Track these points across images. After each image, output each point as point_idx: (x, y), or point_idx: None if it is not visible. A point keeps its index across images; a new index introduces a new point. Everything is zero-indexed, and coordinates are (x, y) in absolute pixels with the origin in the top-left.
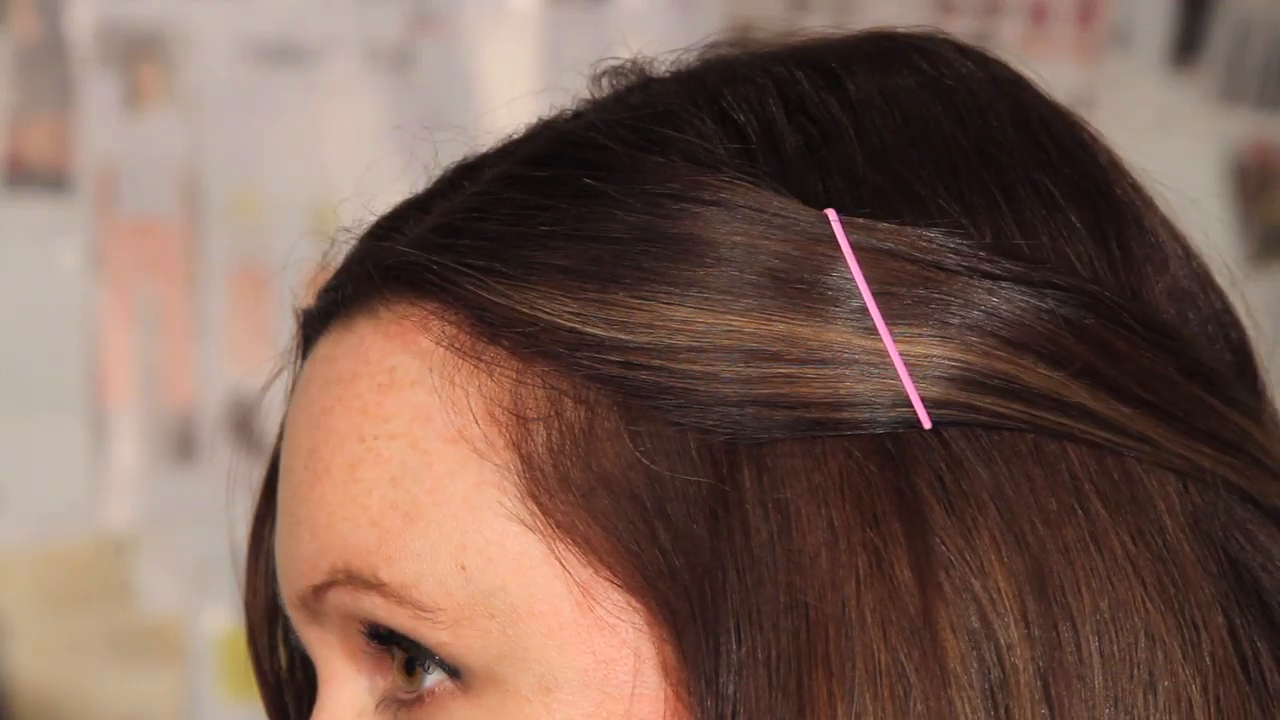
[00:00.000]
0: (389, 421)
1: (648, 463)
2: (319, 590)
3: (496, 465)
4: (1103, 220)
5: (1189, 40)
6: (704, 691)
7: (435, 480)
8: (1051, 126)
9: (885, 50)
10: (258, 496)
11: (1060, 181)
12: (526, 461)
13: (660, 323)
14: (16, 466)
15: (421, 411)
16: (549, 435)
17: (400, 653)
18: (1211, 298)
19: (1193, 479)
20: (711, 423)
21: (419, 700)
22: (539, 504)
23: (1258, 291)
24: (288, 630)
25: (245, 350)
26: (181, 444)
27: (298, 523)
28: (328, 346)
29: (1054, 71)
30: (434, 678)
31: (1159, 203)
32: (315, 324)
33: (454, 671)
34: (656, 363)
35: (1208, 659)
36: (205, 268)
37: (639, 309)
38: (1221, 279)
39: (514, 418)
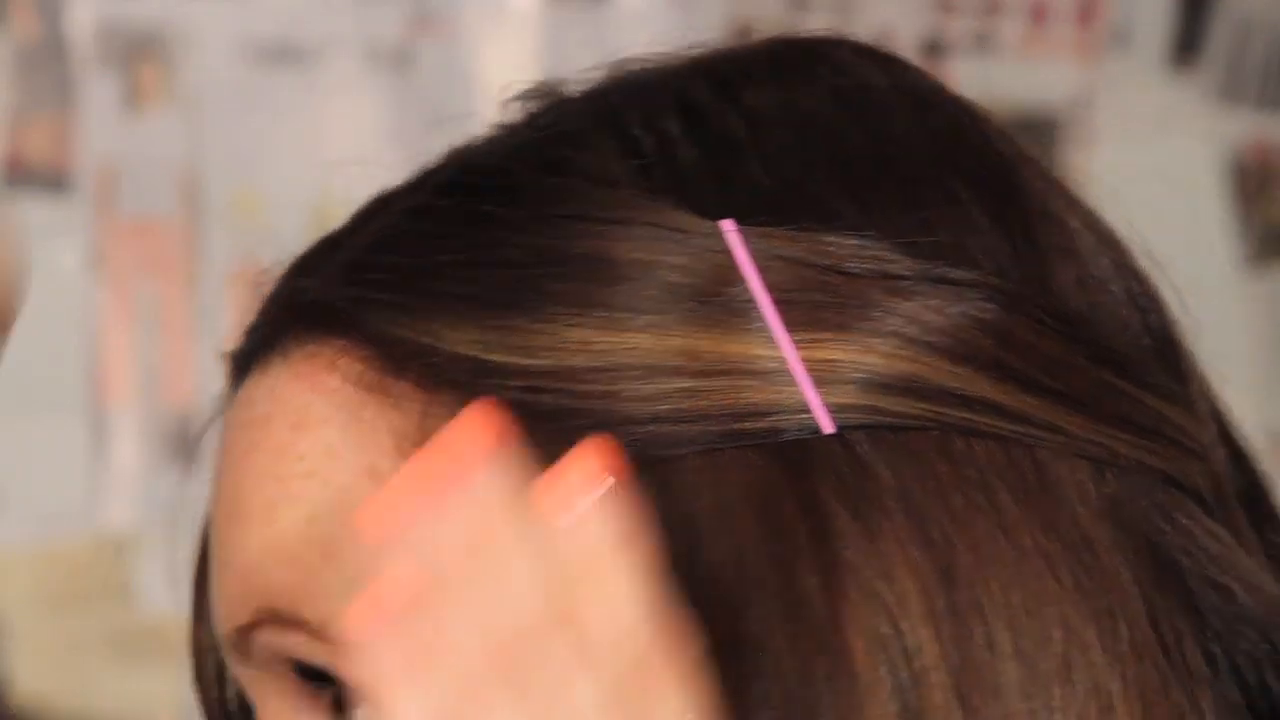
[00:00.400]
0: (303, 460)
1: None
2: (246, 631)
3: None
4: (1007, 213)
5: (1189, 40)
6: None
7: (349, 516)
8: (953, 122)
9: (783, 57)
10: (199, 542)
11: (962, 177)
12: None
13: (560, 345)
14: (16, 466)
15: (333, 449)
16: None
17: (330, 691)
18: (1130, 283)
19: (1108, 465)
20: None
21: None
22: None
23: (1258, 291)
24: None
25: None
26: (182, 444)
27: (224, 566)
28: (247, 390)
29: (1054, 71)
30: (364, 717)
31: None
32: (240, 367)
33: None
34: (558, 385)
35: (1126, 646)
36: (205, 268)
37: (540, 332)
38: (1219, 277)
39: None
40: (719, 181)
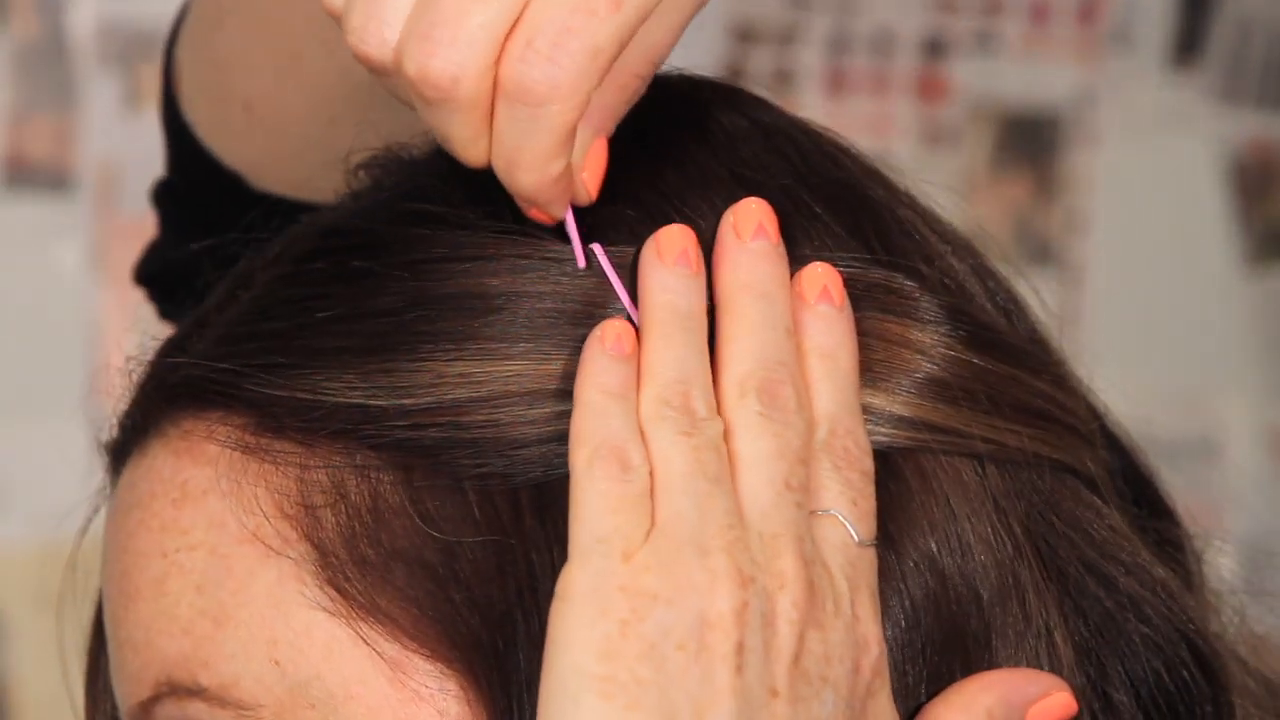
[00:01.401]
0: (187, 534)
1: (433, 530)
2: (148, 705)
3: (293, 558)
4: (861, 222)
5: (1189, 40)
6: None
7: (238, 582)
8: (796, 142)
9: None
10: (90, 632)
11: (814, 191)
12: (319, 549)
13: (440, 380)
14: (17, 467)
15: (216, 518)
16: (337, 520)
17: None
18: (988, 284)
19: (992, 461)
20: (498, 470)
21: None
22: (338, 589)
23: (1258, 290)
24: None
25: None
26: None
27: (120, 645)
28: (129, 474)
29: (1055, 71)
30: None
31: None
32: (118, 455)
33: None
34: (443, 419)
35: (991, 642)
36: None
37: (419, 371)
38: (1219, 276)
39: (302, 508)
40: (582, 211)
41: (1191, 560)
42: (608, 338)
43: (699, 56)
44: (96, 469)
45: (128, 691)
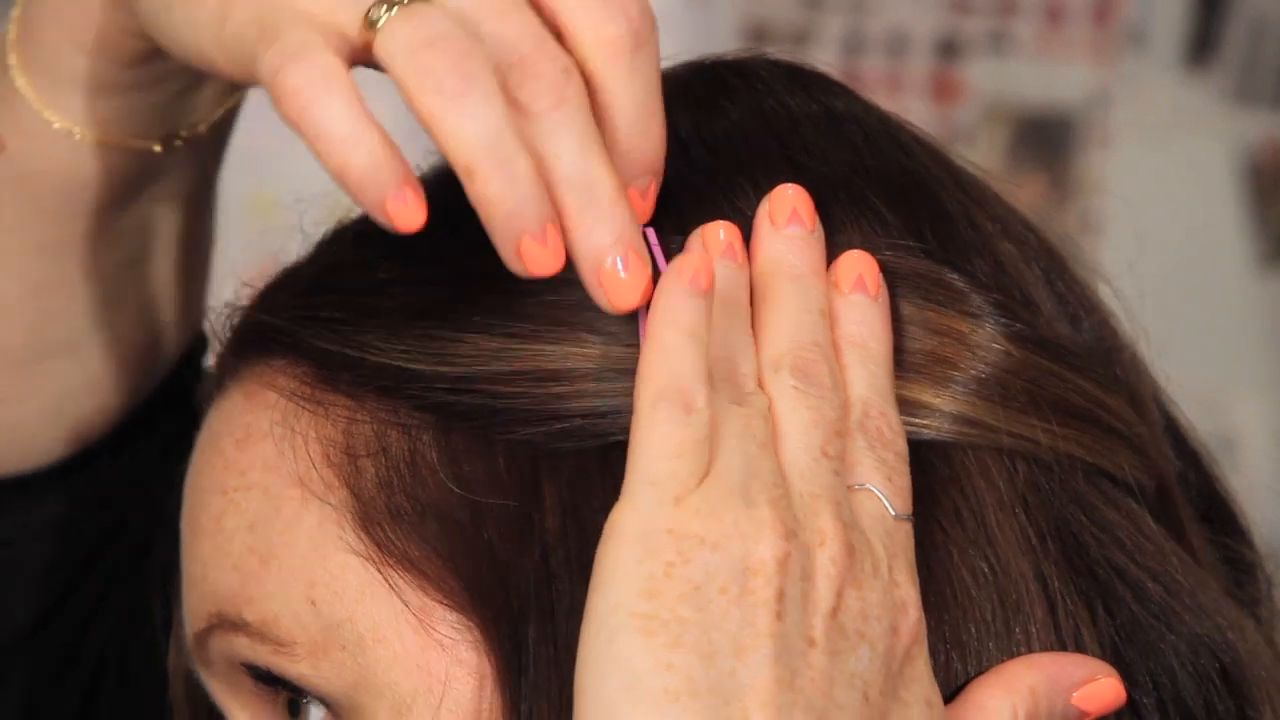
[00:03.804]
0: (245, 474)
1: (463, 489)
2: (201, 637)
3: (333, 505)
4: (917, 212)
5: (1204, 40)
6: (508, 717)
7: (284, 523)
8: (866, 128)
9: (702, 79)
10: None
11: (871, 178)
12: (358, 497)
13: (479, 353)
14: None
15: (271, 461)
16: (376, 470)
17: (284, 693)
18: (1059, 285)
19: (1023, 457)
20: (528, 440)
21: None
22: (373, 536)
23: (1273, 290)
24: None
25: None
26: None
27: (185, 579)
28: (209, 415)
29: (1069, 71)
30: (316, 716)
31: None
32: (208, 398)
33: (327, 706)
34: (480, 388)
35: (1019, 635)
36: (220, 268)
37: (460, 342)
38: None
39: (346, 457)
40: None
41: (1262, 583)
42: (685, 272)
43: None
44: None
45: (188, 623)
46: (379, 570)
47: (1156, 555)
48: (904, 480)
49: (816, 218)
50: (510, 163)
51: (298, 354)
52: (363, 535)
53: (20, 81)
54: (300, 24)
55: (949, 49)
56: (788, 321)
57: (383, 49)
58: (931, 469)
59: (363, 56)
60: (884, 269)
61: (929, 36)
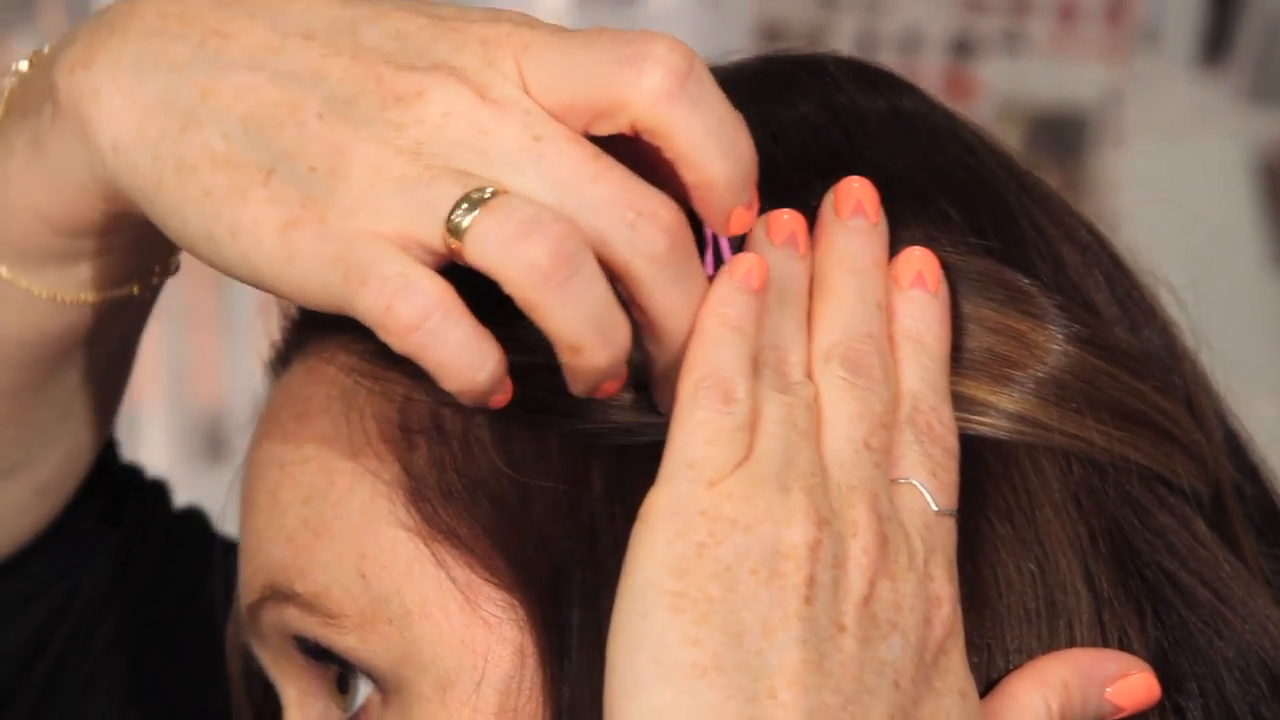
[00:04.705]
0: (301, 448)
1: (513, 469)
2: (254, 609)
3: (387, 479)
4: (980, 211)
5: (1218, 39)
6: (548, 696)
7: (338, 497)
8: (932, 127)
9: (771, 71)
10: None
11: (935, 176)
12: (410, 473)
13: (537, 342)
14: None
15: (328, 435)
16: (430, 447)
17: (334, 668)
18: (1119, 290)
19: (1077, 458)
20: (582, 429)
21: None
22: (422, 512)
23: None
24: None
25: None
26: (210, 442)
27: (241, 552)
28: (271, 390)
29: (1083, 70)
30: (364, 692)
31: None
32: (272, 372)
33: (373, 680)
34: (534, 376)
35: (1064, 635)
36: None
37: (522, 328)
38: (1247, 276)
39: (401, 433)
40: None
41: None
42: (739, 270)
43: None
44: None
45: (243, 594)
46: (427, 546)
47: (1209, 561)
48: (950, 476)
49: (881, 211)
50: (613, 334)
51: (359, 330)
52: (413, 511)
53: None
54: (386, 253)
55: (962, 48)
56: (843, 312)
57: (476, 253)
58: (984, 465)
59: (450, 261)
60: (947, 266)
61: (942, 36)
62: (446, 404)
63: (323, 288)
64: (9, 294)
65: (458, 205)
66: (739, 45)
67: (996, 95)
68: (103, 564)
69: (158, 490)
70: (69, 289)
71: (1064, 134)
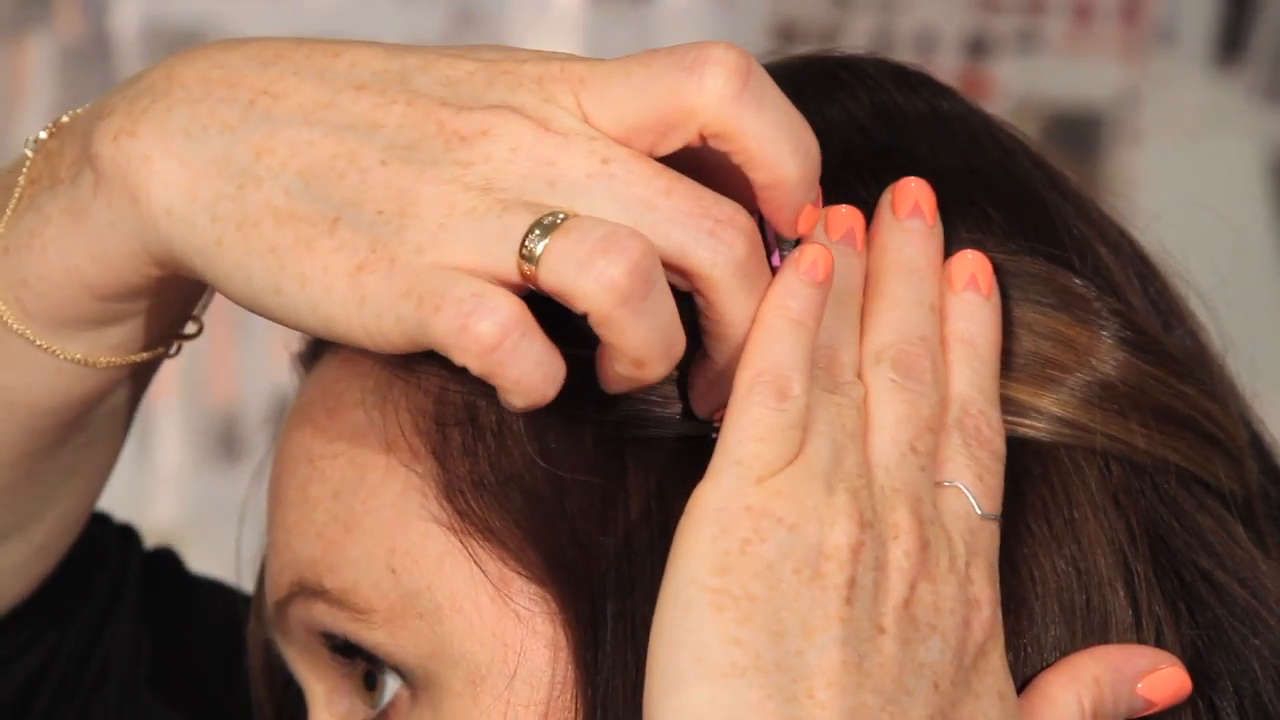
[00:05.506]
0: (332, 442)
1: (548, 463)
2: (282, 605)
3: (420, 473)
4: (1020, 214)
5: (1233, 38)
6: (582, 690)
7: (369, 491)
8: (973, 131)
9: (814, 70)
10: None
11: (978, 179)
12: (442, 465)
13: (576, 333)
14: None
15: (360, 430)
16: (463, 439)
17: (361, 664)
18: (1153, 292)
19: (1117, 460)
20: (617, 420)
21: (383, 716)
22: (455, 505)
23: None
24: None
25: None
26: (225, 442)
27: (269, 548)
28: (303, 383)
29: (1098, 69)
30: (392, 689)
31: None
32: (304, 366)
33: (402, 676)
34: (574, 367)
35: (1098, 633)
36: None
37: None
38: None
39: (435, 425)
40: None
41: None
42: (804, 261)
43: None
44: (140, 467)
45: (269, 591)
46: (459, 539)
47: (1246, 561)
48: (995, 480)
49: (937, 213)
50: (675, 349)
51: None
52: (445, 504)
53: (14, 326)
54: (458, 278)
55: (978, 47)
56: (896, 314)
57: (551, 274)
58: (1024, 467)
59: (525, 288)
60: (999, 269)
61: (958, 35)
62: (481, 396)
63: (396, 322)
64: (39, 360)
65: (530, 231)
66: (753, 45)
67: (1011, 95)
68: (90, 609)
69: (128, 534)
70: (101, 352)
71: (1079, 133)
